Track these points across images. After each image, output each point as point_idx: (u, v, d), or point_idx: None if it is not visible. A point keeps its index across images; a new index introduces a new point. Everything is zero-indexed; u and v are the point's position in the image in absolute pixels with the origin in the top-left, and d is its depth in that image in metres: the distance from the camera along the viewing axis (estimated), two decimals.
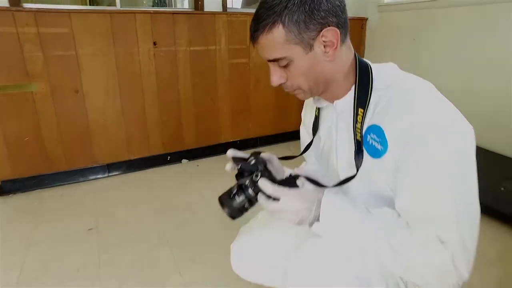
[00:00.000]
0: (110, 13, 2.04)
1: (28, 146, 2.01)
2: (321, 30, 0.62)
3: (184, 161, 2.50)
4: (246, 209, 0.71)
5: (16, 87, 1.90)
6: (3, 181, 1.99)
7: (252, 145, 2.75)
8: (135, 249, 1.53)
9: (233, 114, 2.61)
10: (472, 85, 2.29)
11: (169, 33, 2.22)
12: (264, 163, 0.72)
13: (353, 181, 0.72)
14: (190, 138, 2.49)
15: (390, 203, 0.68)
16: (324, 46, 0.64)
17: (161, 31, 2.19)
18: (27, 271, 1.38)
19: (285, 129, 2.87)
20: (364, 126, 0.68)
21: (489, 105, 2.21)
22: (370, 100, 0.67)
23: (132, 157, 2.33)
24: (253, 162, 0.72)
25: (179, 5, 3.00)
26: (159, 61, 2.23)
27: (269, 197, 0.66)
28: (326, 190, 0.69)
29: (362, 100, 0.67)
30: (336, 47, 0.64)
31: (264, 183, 0.66)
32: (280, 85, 0.70)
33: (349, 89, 0.71)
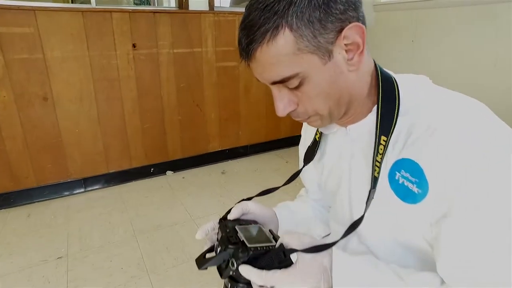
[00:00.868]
0: (83, 11, 1.83)
1: None
2: (342, 30, 0.45)
3: (168, 172, 2.30)
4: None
5: None
6: None
7: (241, 154, 2.57)
8: (111, 279, 1.33)
9: (221, 121, 2.42)
10: (474, 87, 2.16)
11: (150, 34, 2.03)
12: (233, 239, 0.52)
13: (373, 229, 0.55)
14: (175, 148, 2.30)
15: (423, 258, 0.52)
16: (346, 51, 0.46)
17: (141, 31, 2.00)
18: None
19: (277, 136, 2.70)
20: (388, 159, 0.51)
21: (490, 107, 2.08)
22: (398, 125, 0.50)
23: (111, 170, 2.12)
24: (219, 248, 0.52)
25: (165, 4, 2.80)
26: (139, 64, 2.03)
27: (261, 287, 0.48)
28: (335, 252, 0.50)
29: (386, 125, 0.50)
30: (362, 51, 0.47)
31: (246, 271, 0.47)
32: (289, 113, 0.52)
33: (370, 110, 0.54)
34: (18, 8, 1.67)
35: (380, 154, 0.50)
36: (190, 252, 1.50)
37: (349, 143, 0.58)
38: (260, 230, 0.55)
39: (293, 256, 0.49)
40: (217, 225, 0.59)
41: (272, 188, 0.67)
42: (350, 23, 0.45)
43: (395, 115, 0.50)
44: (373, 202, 0.52)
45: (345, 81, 0.48)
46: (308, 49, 0.44)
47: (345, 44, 0.46)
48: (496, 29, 2.01)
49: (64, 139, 1.94)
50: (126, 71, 2.01)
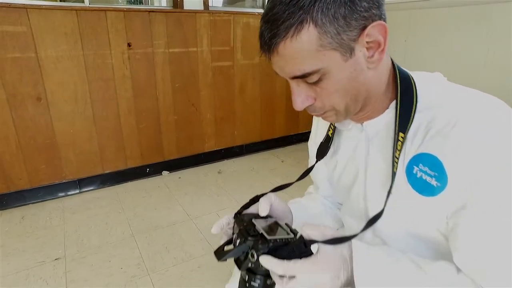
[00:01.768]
0: (77, 10, 1.81)
1: None
2: (365, 28, 0.45)
3: (164, 173, 2.29)
4: (272, 285, 0.53)
5: None
6: None
7: (237, 153, 2.57)
8: (111, 280, 1.32)
9: (216, 121, 2.42)
10: (464, 85, 2.22)
11: (145, 33, 2.01)
12: (253, 230, 0.53)
13: (389, 222, 0.56)
14: (171, 148, 2.29)
15: (436, 249, 0.53)
16: (367, 49, 0.47)
17: (136, 31, 1.98)
18: None
19: (272, 136, 2.71)
20: (406, 154, 0.52)
21: None
22: (414, 122, 0.51)
23: (107, 171, 2.10)
24: (238, 241, 0.53)
25: (156, 3, 2.78)
26: (134, 64, 2.02)
27: (282, 276, 0.49)
28: (355, 243, 0.51)
29: (404, 122, 0.51)
30: (383, 49, 0.48)
31: (268, 262, 0.48)
32: (306, 108, 0.53)
33: (386, 107, 0.55)
34: (9, 6, 1.64)
35: (398, 150, 0.51)
36: (189, 251, 1.50)
37: (364, 139, 0.59)
38: (277, 224, 0.55)
39: (314, 247, 0.49)
40: (232, 220, 0.60)
41: (286, 184, 0.68)
42: (373, 21, 0.46)
43: (413, 112, 0.51)
44: (390, 197, 0.53)
45: (364, 78, 0.49)
46: (331, 46, 0.44)
47: (366, 42, 0.46)
48: (486, 30, 2.07)
49: (59, 139, 1.92)
50: (121, 71, 1.99)
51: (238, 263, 0.54)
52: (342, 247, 0.50)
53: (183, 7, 2.17)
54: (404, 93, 0.52)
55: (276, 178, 2.21)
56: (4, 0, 1.62)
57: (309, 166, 0.72)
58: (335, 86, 0.48)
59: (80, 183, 2.04)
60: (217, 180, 2.22)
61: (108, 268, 1.39)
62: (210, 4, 2.32)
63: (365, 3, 0.44)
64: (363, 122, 0.58)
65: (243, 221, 0.56)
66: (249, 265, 0.52)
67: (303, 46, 0.44)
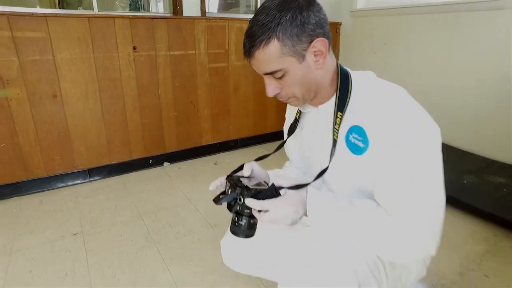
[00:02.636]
0: (89, 17, 2.04)
1: (3, 152, 1.96)
2: (312, 41, 0.69)
3: (165, 164, 2.52)
4: (254, 223, 0.77)
5: None
6: None
7: (232, 147, 2.81)
8: (123, 250, 1.55)
9: (213, 117, 2.66)
10: (436, 85, 2.48)
11: (149, 37, 2.25)
12: (240, 184, 0.76)
13: (336, 178, 0.81)
14: (171, 142, 2.52)
15: (371, 196, 0.77)
16: (314, 55, 0.71)
17: (141, 35, 2.21)
18: (13, 278, 1.37)
19: (263, 131, 2.95)
20: (344, 126, 0.76)
21: (451, 104, 2.40)
22: (350, 104, 0.75)
23: (114, 162, 2.32)
24: (230, 191, 0.77)
25: (153, 9, 3.01)
26: (139, 65, 2.25)
27: (260, 211, 0.72)
28: (309, 188, 0.75)
29: (341, 104, 0.76)
30: (325, 56, 0.72)
31: (250, 202, 0.71)
32: (275, 95, 0.77)
33: (333, 94, 0.79)
34: (32, 15, 1.86)
35: (337, 124, 0.76)
36: (190, 227, 1.73)
37: (319, 119, 0.83)
38: (256, 180, 0.80)
39: (282, 192, 0.74)
40: (224, 181, 0.84)
41: (265, 155, 0.92)
42: (317, 37, 0.70)
43: (348, 98, 0.75)
44: (335, 158, 0.77)
45: (314, 75, 0.73)
46: (289, 53, 0.69)
47: (313, 51, 0.71)
48: (451, 35, 2.33)
49: (71, 133, 2.14)
50: (127, 72, 2.22)
51: (229, 207, 0.78)
52: (301, 191, 0.75)
53: (182, 14, 2.41)
54: (342, 85, 0.77)
55: (266, 168, 2.45)
56: (28, 11, 1.85)
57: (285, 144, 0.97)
58: (293, 80, 0.73)
59: (90, 173, 2.27)
60: (214, 170, 2.45)
61: (121, 241, 1.62)
62: (206, 11, 2.56)
63: (311, 26, 0.69)
64: (318, 106, 0.82)
65: (233, 179, 0.81)
66: (238, 208, 0.76)
67: (270, 53, 0.68)
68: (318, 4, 0.71)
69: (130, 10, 3.15)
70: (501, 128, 2.16)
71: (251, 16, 2.85)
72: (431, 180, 0.69)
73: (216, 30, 2.48)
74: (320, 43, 0.70)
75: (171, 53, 2.35)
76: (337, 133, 0.76)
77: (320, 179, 0.80)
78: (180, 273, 1.40)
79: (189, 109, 2.53)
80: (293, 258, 0.80)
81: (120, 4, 3.62)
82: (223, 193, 0.82)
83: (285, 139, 0.97)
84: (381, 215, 0.72)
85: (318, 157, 0.87)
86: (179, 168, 2.49)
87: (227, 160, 2.63)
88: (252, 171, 0.86)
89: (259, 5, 2.85)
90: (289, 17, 0.66)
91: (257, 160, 0.91)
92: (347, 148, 0.77)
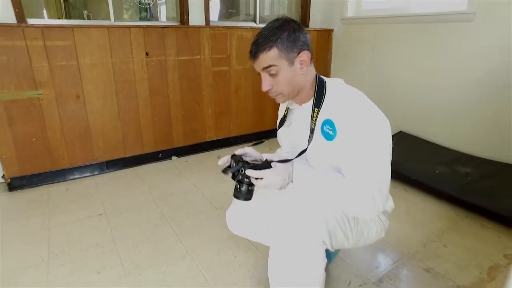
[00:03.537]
0: (108, 27, 2.32)
1: (35, 146, 2.24)
2: (300, 52, 0.99)
3: (173, 157, 2.80)
4: (252, 190, 1.05)
5: (25, 93, 2.14)
6: (11, 178, 2.22)
7: (233, 142, 3.10)
8: (142, 227, 1.83)
9: (216, 116, 2.95)
10: (417, 86, 2.77)
11: (160, 44, 2.53)
12: (242, 160, 1.05)
13: (315, 158, 1.09)
14: (179, 137, 2.80)
15: (340, 171, 1.06)
16: (300, 64, 1.00)
17: (153, 43, 2.50)
18: (54, 247, 1.65)
19: (261, 129, 3.24)
20: (320, 120, 1.05)
21: (429, 103, 2.69)
22: (325, 103, 1.04)
23: (127, 155, 2.61)
24: (234, 165, 1.06)
25: (163, 18, 3.28)
26: (151, 69, 2.53)
27: (256, 178, 1.01)
28: (295, 163, 1.04)
29: (318, 103, 1.04)
30: (307, 65, 1.01)
31: (249, 172, 1.00)
32: (267, 91, 1.05)
33: (312, 96, 1.08)
34: (61, 27, 2.15)
35: (314, 117, 1.04)
36: (198, 209, 2.01)
37: (302, 114, 1.12)
38: (254, 158, 1.09)
39: (273, 164, 1.02)
40: (230, 158, 1.12)
41: (261, 140, 1.22)
42: (303, 50, 0.99)
43: (323, 98, 1.04)
44: (313, 143, 1.06)
45: (298, 79, 1.02)
46: (283, 58, 0.97)
47: (300, 60, 0.99)
48: (430, 43, 2.62)
49: (91, 129, 2.42)
50: (141, 75, 2.51)
51: (233, 177, 1.07)
52: (288, 165, 1.03)
53: (189, 23, 2.69)
54: (318, 89, 1.05)
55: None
56: (58, 23, 2.13)
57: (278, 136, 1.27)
58: (283, 79, 1.00)
59: (107, 165, 2.55)
60: (217, 163, 2.73)
61: (139, 220, 1.90)
62: (210, 20, 2.85)
63: (300, 42, 0.98)
64: (301, 105, 1.11)
65: (236, 157, 1.09)
66: (239, 177, 1.05)
67: (271, 56, 0.97)
68: (305, 29, 1.01)
69: (140, 18, 3.44)
70: (472, 125, 2.45)
71: (250, 24, 3.17)
72: (379, 156, 0.97)
73: (219, 37, 2.77)
74: (305, 55, 1.00)
75: (179, 58, 2.63)
76: (314, 124, 1.05)
77: (304, 159, 1.08)
78: (191, 244, 1.69)
79: (195, 108, 2.81)
80: (280, 220, 1.08)
81: (130, 13, 3.91)
82: (229, 167, 1.11)
83: (278, 130, 1.26)
84: (344, 180, 1.00)
85: (301, 143, 1.15)
86: (186, 161, 2.77)
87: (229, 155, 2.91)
88: (246, 152, 1.15)
89: (258, 13, 3.13)
90: (286, 34, 0.96)
91: (255, 144, 1.20)
92: (322, 136, 1.06)
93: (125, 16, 3.40)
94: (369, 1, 3.19)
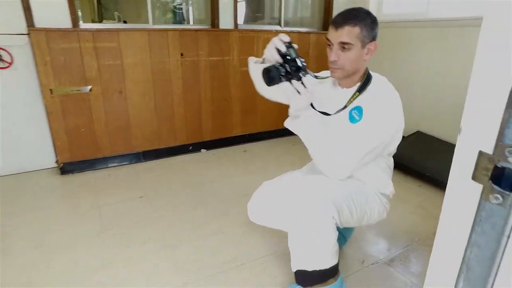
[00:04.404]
0: (148, 31, 2.58)
1: (83, 135, 2.53)
2: (372, 41, 1.16)
3: (203, 150, 3.04)
4: (278, 79, 1.09)
5: (77, 89, 2.42)
6: (64, 163, 2.51)
7: (258, 138, 3.30)
8: (178, 209, 2.06)
9: (242, 112, 3.16)
10: (434, 87, 2.88)
11: (193, 46, 2.77)
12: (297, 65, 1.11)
13: (336, 125, 1.24)
14: (208, 132, 3.04)
15: None
16: (367, 50, 1.17)
17: (187, 44, 2.74)
18: (105, 222, 1.91)
19: None
20: (353, 104, 1.22)
21: (445, 104, 2.80)
22: (365, 92, 1.21)
23: (162, 146, 2.86)
24: (302, 64, 1.11)
25: (193, 22, 3.53)
26: (185, 68, 2.78)
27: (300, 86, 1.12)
28: (316, 110, 1.19)
29: (361, 90, 1.21)
30: (372, 55, 1.18)
31: (307, 80, 1.11)
32: (332, 61, 1.17)
33: (356, 84, 1.24)
34: (108, 30, 2.42)
35: (353, 98, 1.21)
36: (226, 197, 2.22)
37: (341, 95, 1.26)
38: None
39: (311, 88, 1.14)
40: (276, 54, 1.13)
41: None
42: (374, 40, 1.16)
43: (366, 87, 1.21)
44: (338, 118, 1.22)
45: (360, 62, 1.18)
46: (360, 39, 1.13)
47: (368, 48, 1.16)
48: (449, 46, 2.74)
49: (131, 122, 2.69)
50: (176, 74, 2.75)
51: (284, 58, 1.12)
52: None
53: (219, 27, 2.92)
54: (367, 79, 1.22)
55: (287, 156, 2.93)
56: (106, 27, 2.40)
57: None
58: (351, 56, 1.16)
59: (144, 155, 2.81)
60: (243, 157, 2.95)
61: (175, 203, 2.14)
62: (238, 23, 3.06)
63: (375, 32, 1.15)
64: (343, 88, 1.28)
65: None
66: (287, 70, 1.10)
67: (353, 31, 1.12)
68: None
69: (173, 22, 3.71)
70: None
71: (275, 27, 3.34)
72: (372, 140, 1.15)
73: (246, 40, 2.98)
74: (374, 45, 1.17)
75: (210, 58, 2.86)
76: (349, 103, 1.22)
77: (326, 122, 1.24)
78: (221, 225, 1.90)
79: (223, 105, 3.04)
80: (296, 204, 1.22)
81: (166, 17, 4.19)
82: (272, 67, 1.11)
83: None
84: (337, 141, 1.17)
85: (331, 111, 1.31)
86: (213, 154, 3.00)
87: (254, 149, 3.12)
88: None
89: (283, 17, 3.32)
90: (370, 21, 1.13)
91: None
92: (347, 117, 1.23)
93: (162, 19, 3.67)
94: (390, 6, 3.31)
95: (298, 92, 1.12)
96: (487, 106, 0.45)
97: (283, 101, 1.35)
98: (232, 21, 3.00)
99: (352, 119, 1.22)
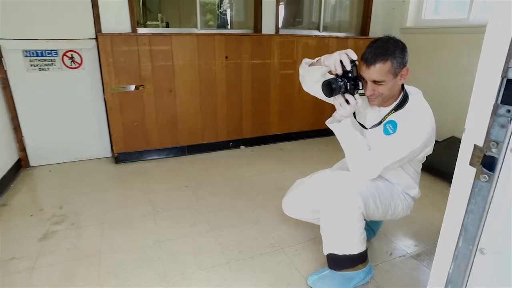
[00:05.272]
0: (197, 35, 2.81)
1: (136, 129, 2.80)
2: (403, 68, 1.25)
3: (242, 147, 3.23)
4: (337, 93, 1.22)
5: (133, 87, 2.70)
6: (119, 153, 2.80)
7: (294, 137, 3.44)
8: (220, 198, 2.25)
9: (280, 113, 3.32)
10: (470, 93, 2.86)
11: (237, 49, 2.96)
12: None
13: (368, 138, 1.38)
14: (247, 130, 3.22)
15: None
16: (400, 76, 1.26)
17: (231, 48, 2.94)
18: (156, 206, 2.14)
19: (320, 127, 3.53)
20: (388, 118, 1.33)
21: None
22: (401, 110, 1.31)
23: (205, 142, 3.08)
24: (360, 83, 1.26)
25: (235, 27, 3.74)
26: (228, 70, 2.98)
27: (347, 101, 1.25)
28: (355, 120, 1.35)
29: (397, 108, 1.32)
30: (405, 79, 1.29)
31: (359, 97, 1.26)
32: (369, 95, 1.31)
33: (392, 104, 1.35)
34: (163, 35, 2.68)
35: (388, 115, 1.33)
36: (264, 190, 2.38)
37: (378, 114, 1.38)
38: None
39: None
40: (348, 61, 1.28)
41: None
42: (406, 65, 1.26)
43: (403, 107, 1.32)
44: (372, 130, 1.35)
45: (395, 88, 1.29)
46: (391, 72, 1.23)
47: (401, 74, 1.26)
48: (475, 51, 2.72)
49: (178, 118, 2.93)
50: (220, 75, 2.96)
51: (345, 74, 1.26)
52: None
53: (261, 31, 3.10)
54: (403, 100, 1.33)
55: (321, 156, 3.05)
56: (160, 32, 2.66)
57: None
58: (385, 88, 1.26)
59: (188, 149, 3.05)
60: (279, 154, 3.10)
61: (218, 193, 2.33)
62: (279, 28, 3.22)
63: (406, 59, 1.24)
64: (380, 107, 1.38)
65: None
66: (347, 87, 1.24)
67: (385, 68, 1.22)
68: (407, 48, 1.26)
69: (217, 26, 3.94)
70: None
71: (314, 32, 3.50)
72: (401, 151, 1.25)
73: (286, 44, 3.13)
74: (406, 71, 1.27)
75: (252, 61, 3.04)
76: (384, 120, 1.34)
77: (363, 133, 1.39)
78: (261, 214, 2.06)
79: (263, 105, 3.21)
80: (327, 197, 1.35)
81: (212, 21, 4.44)
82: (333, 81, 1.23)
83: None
84: (369, 148, 1.31)
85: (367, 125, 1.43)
86: (252, 151, 3.18)
87: (290, 147, 3.27)
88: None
89: (322, 22, 3.44)
90: (399, 51, 1.21)
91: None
92: (382, 130, 1.35)
93: (207, 23, 3.91)
94: (429, 12, 3.32)
95: (347, 103, 1.25)
96: (479, 113, 0.64)
97: (326, 100, 1.49)
98: (273, 26, 3.17)
99: (386, 131, 1.33)
